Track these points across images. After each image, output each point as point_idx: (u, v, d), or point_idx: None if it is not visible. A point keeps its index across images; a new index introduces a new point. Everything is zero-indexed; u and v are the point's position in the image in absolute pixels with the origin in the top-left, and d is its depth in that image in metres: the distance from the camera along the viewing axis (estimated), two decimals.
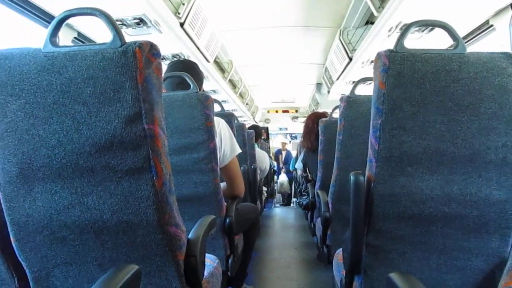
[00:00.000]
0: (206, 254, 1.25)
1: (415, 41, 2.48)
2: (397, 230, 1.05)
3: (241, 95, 6.41)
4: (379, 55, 1.01)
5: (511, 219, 1.02)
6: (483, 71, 0.96)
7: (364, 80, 1.92)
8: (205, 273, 1.21)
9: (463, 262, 1.06)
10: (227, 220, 1.68)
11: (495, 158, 0.98)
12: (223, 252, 1.70)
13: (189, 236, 1.07)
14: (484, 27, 2.23)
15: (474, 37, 2.27)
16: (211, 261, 1.35)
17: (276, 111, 9.88)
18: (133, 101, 0.82)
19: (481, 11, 2.09)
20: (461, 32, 2.41)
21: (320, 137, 2.44)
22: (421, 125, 0.98)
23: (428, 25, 1.06)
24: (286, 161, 8.86)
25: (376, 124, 1.01)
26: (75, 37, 2.24)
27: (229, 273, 1.74)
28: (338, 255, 1.44)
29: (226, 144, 1.74)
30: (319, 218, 2.25)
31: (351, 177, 1.06)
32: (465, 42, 2.53)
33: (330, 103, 6.06)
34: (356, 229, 1.07)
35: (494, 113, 0.97)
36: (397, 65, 0.97)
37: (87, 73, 0.82)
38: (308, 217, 3.11)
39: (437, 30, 2.28)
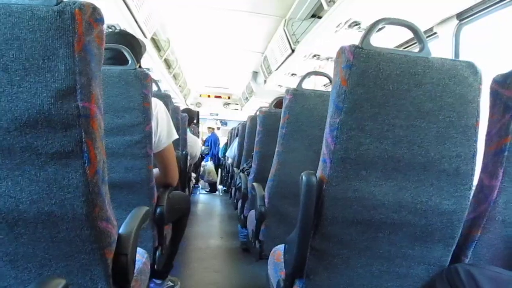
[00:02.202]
0: None
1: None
2: (344, 235, 1.02)
3: (174, 76, 6.21)
4: (342, 49, 0.95)
5: (456, 230, 1.02)
6: (445, 78, 0.95)
7: (312, 73, 1.88)
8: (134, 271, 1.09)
9: (405, 269, 1.06)
10: (158, 210, 1.57)
11: (448, 168, 0.97)
12: (151, 243, 1.58)
13: (120, 231, 0.95)
14: (428, 34, 2.31)
15: (415, 43, 2.34)
16: (140, 256, 1.23)
17: (209, 96, 9.75)
18: (67, 72, 0.68)
19: (427, 18, 2.15)
20: (406, 35, 2.48)
21: (258, 127, 2.38)
22: (381, 128, 0.95)
23: (396, 24, 1.02)
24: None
25: (334, 122, 0.96)
26: None
27: (155, 266, 1.63)
28: (275, 254, 1.39)
29: (163, 129, 1.61)
30: (252, 210, 2.20)
31: (303, 176, 1.00)
32: (408, 46, 2.61)
33: (266, 93, 6.08)
34: (303, 231, 1.02)
35: (452, 122, 0.95)
36: (361, 63, 0.92)
37: (11, 32, 0.66)
38: (239, 207, 3.06)
39: (384, 30, 2.34)
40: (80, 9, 0.68)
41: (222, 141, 8.71)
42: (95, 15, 0.72)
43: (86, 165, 0.74)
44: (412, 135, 0.96)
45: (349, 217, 0.99)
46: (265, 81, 5.29)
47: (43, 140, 0.71)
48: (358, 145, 0.95)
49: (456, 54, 2.18)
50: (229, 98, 9.83)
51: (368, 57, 0.93)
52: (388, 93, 0.93)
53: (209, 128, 9.38)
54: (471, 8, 2.02)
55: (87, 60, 0.71)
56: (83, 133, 0.72)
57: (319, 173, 1.02)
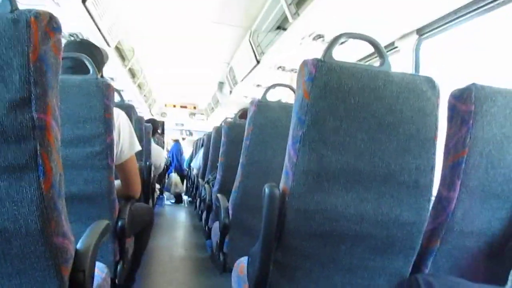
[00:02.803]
0: None
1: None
2: (306, 247, 1.02)
3: (139, 86, 6.12)
4: (305, 63, 0.97)
5: (416, 241, 1.05)
6: (405, 91, 0.97)
7: (276, 85, 1.89)
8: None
9: (367, 281, 1.07)
10: (120, 223, 1.52)
11: (408, 180, 1.00)
12: (112, 257, 1.53)
13: (78, 246, 0.91)
14: (390, 48, 2.38)
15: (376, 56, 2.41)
16: (99, 271, 1.19)
17: (174, 106, 9.67)
18: (21, 83, 0.66)
19: (389, 32, 2.22)
20: (368, 49, 2.55)
21: (222, 138, 2.37)
22: (342, 140, 0.96)
23: (357, 38, 1.05)
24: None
25: (297, 135, 0.96)
26: None
27: (116, 280, 1.58)
28: (239, 267, 1.38)
29: (125, 140, 1.58)
30: (216, 222, 2.18)
31: (266, 189, 1.00)
32: (372, 59, 2.68)
33: (231, 103, 6.08)
34: (266, 244, 1.02)
35: (411, 134, 0.98)
36: (323, 76, 0.94)
37: None
38: (203, 219, 3.03)
39: (348, 43, 2.40)
40: (36, 18, 0.66)
41: (188, 151, 8.63)
42: (52, 24, 0.70)
43: (41, 178, 0.71)
44: (373, 148, 0.97)
45: (311, 229, 1.00)
46: (230, 92, 5.30)
47: None
48: (320, 158, 0.96)
49: (416, 67, 2.26)
50: (195, 108, 9.77)
51: (330, 71, 0.94)
52: (350, 106, 0.95)
53: (172, 139, 9.28)
54: (430, 24, 2.11)
55: (43, 70, 0.68)
56: (38, 146, 0.69)
57: (281, 185, 1.02)
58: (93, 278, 0.97)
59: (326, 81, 0.93)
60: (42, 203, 0.72)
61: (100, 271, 1.19)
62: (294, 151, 0.97)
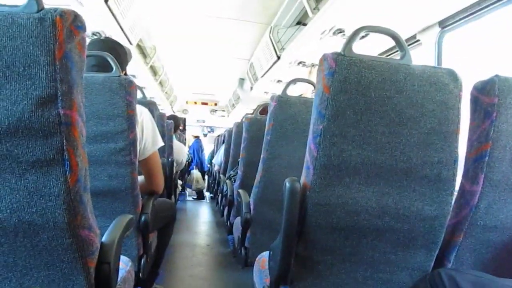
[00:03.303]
0: None
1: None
2: (328, 241, 1.02)
3: (161, 83, 6.18)
4: (325, 57, 0.96)
5: (438, 235, 1.03)
6: (426, 85, 0.96)
7: (296, 80, 1.89)
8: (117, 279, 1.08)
9: (389, 275, 1.06)
10: (143, 218, 1.55)
11: (430, 174, 0.99)
12: (135, 251, 1.56)
13: (103, 239, 0.94)
14: (411, 41, 2.34)
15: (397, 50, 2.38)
16: (123, 265, 1.22)
17: (195, 103, 9.72)
18: (48, 80, 0.68)
19: (410, 25, 2.18)
20: (389, 43, 2.51)
21: (243, 134, 2.38)
22: (363, 134, 0.95)
23: (377, 32, 1.04)
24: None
25: (317, 129, 0.96)
26: None
27: (140, 274, 1.61)
28: (260, 261, 1.39)
29: (148, 136, 1.60)
30: (238, 217, 2.19)
31: (287, 183, 1.00)
32: (393, 53, 2.65)
33: (252, 99, 6.09)
34: (287, 238, 1.02)
35: (433, 128, 0.97)
36: (343, 70, 0.93)
37: None
38: (225, 214, 3.05)
39: (368, 38, 2.38)
40: (61, 17, 0.68)
41: (209, 148, 8.68)
42: (77, 23, 0.72)
43: (67, 173, 0.73)
44: (394, 142, 0.97)
45: (332, 223, 1.00)
46: (251, 88, 5.30)
47: (23, 148, 0.70)
48: (341, 152, 0.96)
49: (439, 60, 2.22)
50: (215, 105, 9.81)
51: (350, 65, 0.93)
52: (370, 100, 0.94)
53: (193, 136, 9.33)
54: (452, 16, 2.07)
55: (68, 67, 0.70)
56: (64, 141, 0.72)
57: (302, 179, 1.02)
58: (118, 270, 0.99)
59: (346, 75, 0.93)
60: (69, 197, 0.74)
61: (125, 264, 1.22)
62: (315, 145, 0.97)
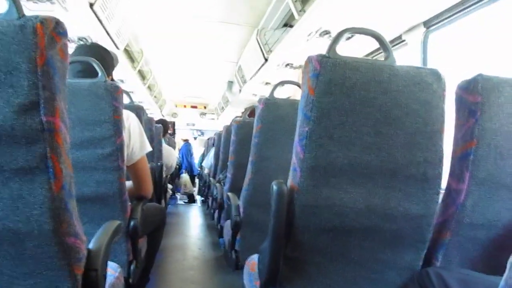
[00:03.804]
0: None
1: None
2: (317, 242, 1.03)
3: (149, 87, 6.16)
4: (310, 59, 0.97)
5: (425, 234, 1.04)
6: (410, 85, 0.97)
7: (283, 83, 1.89)
8: (105, 286, 1.07)
9: (378, 274, 1.07)
10: (132, 223, 1.54)
11: (416, 173, 1.00)
12: (125, 257, 1.55)
13: (90, 245, 0.93)
14: (397, 41, 2.37)
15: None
16: (112, 271, 1.21)
17: (185, 106, 9.71)
18: (29, 87, 0.67)
19: (395, 25, 2.21)
20: (376, 44, 2.54)
21: (232, 137, 2.38)
22: (349, 135, 0.96)
23: (361, 33, 1.05)
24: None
25: (303, 132, 0.97)
26: None
27: (130, 280, 1.61)
28: (250, 264, 1.39)
29: (136, 141, 1.60)
30: (228, 220, 2.19)
31: (274, 186, 1.00)
32: (378, 53, 2.67)
33: (241, 102, 6.09)
34: (276, 240, 1.02)
35: (418, 128, 0.98)
36: (328, 71, 0.94)
37: None
38: (215, 218, 3.05)
39: (355, 39, 2.39)
40: (41, 23, 0.68)
41: (199, 151, 8.65)
42: (58, 29, 0.72)
43: (51, 180, 0.73)
44: (380, 142, 0.97)
45: (320, 224, 1.00)
46: (240, 91, 5.31)
47: (6, 156, 0.70)
48: (327, 153, 0.96)
49: (424, 60, 2.25)
50: (205, 108, 9.80)
51: (335, 66, 0.94)
52: (355, 101, 0.95)
53: (182, 139, 9.28)
54: (436, 16, 2.09)
55: (50, 74, 0.70)
56: (47, 148, 0.71)
57: (289, 182, 1.03)
58: (105, 277, 0.99)
59: (330, 76, 0.94)
60: (54, 204, 0.74)
61: (113, 270, 1.21)
62: (301, 147, 0.97)
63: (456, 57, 2.19)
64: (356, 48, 2.69)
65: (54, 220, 0.75)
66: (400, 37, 2.38)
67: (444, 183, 1.08)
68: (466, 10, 1.93)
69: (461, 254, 1.11)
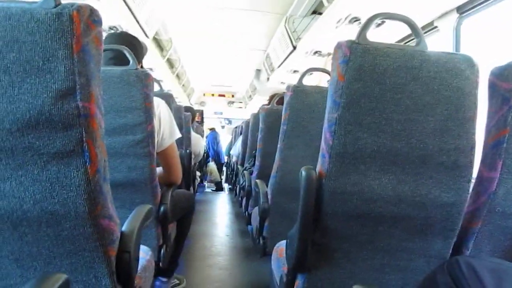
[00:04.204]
0: None
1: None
2: (345, 229, 1.02)
3: (178, 76, 6.23)
4: (339, 45, 0.96)
5: (456, 222, 1.02)
6: (442, 71, 0.94)
7: (312, 69, 1.88)
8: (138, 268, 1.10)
9: (406, 262, 1.06)
10: (162, 208, 1.58)
11: (447, 161, 0.97)
12: (155, 241, 1.60)
13: (123, 228, 0.96)
14: (429, 28, 2.30)
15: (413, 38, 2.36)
16: (143, 254, 1.24)
17: (212, 95, 9.76)
18: (66, 73, 0.69)
19: (427, 12, 2.15)
20: (406, 30, 2.48)
21: (260, 125, 2.39)
22: (378, 122, 0.95)
23: (391, 18, 1.03)
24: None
25: (332, 118, 0.96)
26: None
27: (160, 264, 1.65)
28: (278, 250, 1.40)
29: (165, 128, 1.62)
30: (256, 207, 2.21)
31: (302, 172, 1.00)
32: (409, 40, 2.61)
33: (268, 90, 6.08)
34: (304, 226, 1.02)
35: (449, 114, 0.95)
36: (358, 58, 0.92)
37: (11, 35, 0.67)
38: (243, 205, 3.07)
39: (384, 26, 2.35)
40: (77, 11, 0.69)
41: (227, 139, 8.70)
42: (93, 17, 0.73)
43: (87, 164, 0.75)
44: (410, 129, 0.96)
45: (348, 211, 1.00)
46: (267, 79, 5.30)
47: (44, 140, 0.72)
48: (356, 140, 0.95)
49: (457, 47, 2.18)
50: (233, 96, 9.83)
51: (365, 52, 0.93)
52: (385, 87, 0.94)
53: (208, 128, 9.28)
54: (470, 1, 2.02)
55: (86, 61, 0.72)
56: (83, 133, 0.73)
57: (318, 168, 1.03)
58: (137, 259, 1.02)
59: (360, 62, 0.92)
60: (89, 187, 0.76)
61: (145, 253, 1.24)
62: (330, 133, 0.97)
63: (490, 45, 2.12)
64: (385, 36, 2.63)
65: (89, 202, 0.77)
66: (431, 23, 2.31)
67: (475, 172, 1.06)
68: None
69: (492, 243, 1.08)
